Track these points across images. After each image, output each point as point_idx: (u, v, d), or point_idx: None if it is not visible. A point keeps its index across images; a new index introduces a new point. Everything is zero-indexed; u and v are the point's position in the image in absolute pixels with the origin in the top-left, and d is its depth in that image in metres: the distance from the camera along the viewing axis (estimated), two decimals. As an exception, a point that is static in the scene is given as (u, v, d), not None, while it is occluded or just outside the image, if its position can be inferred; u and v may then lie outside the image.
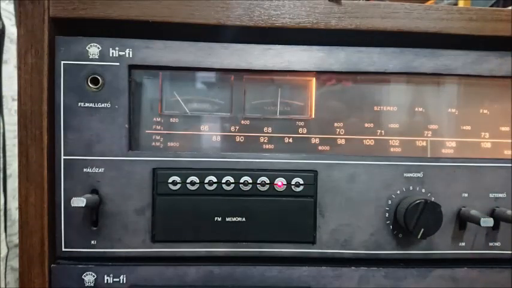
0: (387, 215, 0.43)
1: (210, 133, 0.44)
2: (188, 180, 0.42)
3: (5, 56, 0.72)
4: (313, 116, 0.45)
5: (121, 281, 0.41)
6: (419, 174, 0.43)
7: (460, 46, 0.44)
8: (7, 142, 0.73)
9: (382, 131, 0.45)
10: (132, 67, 0.42)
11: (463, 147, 0.46)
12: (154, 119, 0.44)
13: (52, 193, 0.41)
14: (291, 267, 0.43)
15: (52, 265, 0.41)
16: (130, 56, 0.41)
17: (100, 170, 0.41)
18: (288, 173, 0.42)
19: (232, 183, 0.42)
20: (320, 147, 0.45)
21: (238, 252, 0.43)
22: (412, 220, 0.41)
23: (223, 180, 0.42)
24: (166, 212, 0.42)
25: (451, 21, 0.43)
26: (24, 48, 0.40)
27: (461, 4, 1.21)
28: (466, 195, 0.44)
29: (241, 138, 0.44)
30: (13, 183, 0.74)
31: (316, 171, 0.43)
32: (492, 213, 0.44)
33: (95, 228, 0.42)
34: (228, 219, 0.42)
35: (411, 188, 0.43)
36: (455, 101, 0.46)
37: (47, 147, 0.40)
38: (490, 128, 0.46)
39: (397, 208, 0.43)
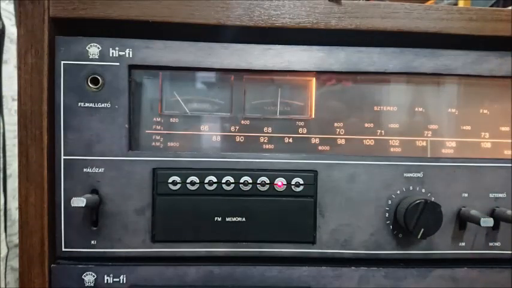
0: (387, 215, 0.43)
1: (210, 133, 0.44)
2: (188, 180, 0.42)
3: (5, 56, 0.72)
4: (313, 116, 0.45)
5: (121, 281, 0.41)
6: (419, 174, 0.43)
7: (460, 46, 0.44)
8: (7, 142, 0.73)
9: (382, 131, 0.45)
10: (132, 67, 0.42)
11: (463, 147, 0.46)
12: (154, 119, 0.44)
13: (52, 193, 0.41)
14: (291, 267, 0.43)
15: (52, 265, 0.41)
16: (130, 56, 0.41)
17: (100, 170, 0.41)
18: (288, 173, 0.42)
19: (232, 183, 0.42)
20: (320, 147, 0.45)
21: (238, 252, 0.43)
22: (412, 220, 0.41)
23: (223, 180, 0.42)
24: (166, 212, 0.42)
25: (451, 21, 0.43)
26: (24, 48, 0.40)
27: (461, 4, 1.21)
28: (466, 195, 0.44)
29: (241, 138, 0.44)
30: (13, 183, 0.74)
31: (316, 171, 0.43)
32: (492, 213, 0.44)
33: (95, 228, 0.42)
34: (228, 219, 0.42)
35: (411, 188, 0.43)
36: (455, 101, 0.46)
37: (47, 147, 0.40)
38: (490, 128, 0.46)
39: (397, 208, 0.43)
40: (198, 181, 0.42)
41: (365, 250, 0.44)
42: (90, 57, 0.41)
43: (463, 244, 0.44)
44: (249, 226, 0.42)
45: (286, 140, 0.45)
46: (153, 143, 0.44)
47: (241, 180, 0.42)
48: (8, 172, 0.74)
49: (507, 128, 0.46)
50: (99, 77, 0.41)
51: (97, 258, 0.42)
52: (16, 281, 0.77)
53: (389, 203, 0.43)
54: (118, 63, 0.41)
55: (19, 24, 0.40)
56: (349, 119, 0.45)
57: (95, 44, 0.41)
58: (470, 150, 0.46)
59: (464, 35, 0.43)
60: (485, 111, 0.46)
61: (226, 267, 0.42)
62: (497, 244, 0.44)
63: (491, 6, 1.07)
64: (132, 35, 0.41)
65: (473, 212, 0.42)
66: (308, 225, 0.43)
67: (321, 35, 0.44)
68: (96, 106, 0.41)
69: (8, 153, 0.73)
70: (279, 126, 0.44)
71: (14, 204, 0.75)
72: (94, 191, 0.41)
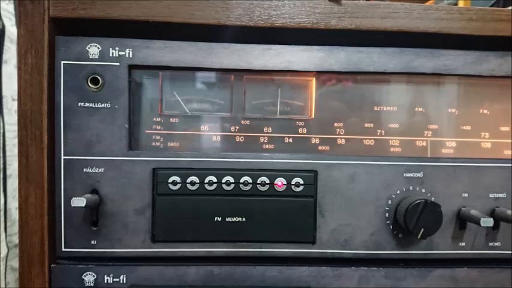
0: (387, 215, 0.43)
1: (210, 133, 0.44)
2: (188, 180, 0.42)
3: (5, 56, 0.72)
4: (313, 116, 0.45)
5: (121, 281, 0.41)
6: (419, 174, 0.43)
7: (460, 46, 0.44)
8: (7, 142, 0.73)
9: (382, 131, 0.45)
10: (132, 67, 0.42)
11: (463, 147, 0.46)
12: (154, 119, 0.44)
13: (52, 193, 0.41)
14: (291, 267, 0.43)
15: (52, 265, 0.41)
16: (130, 56, 0.41)
17: (100, 170, 0.41)
18: (288, 173, 0.42)
19: (232, 183, 0.42)
20: (320, 147, 0.45)
21: (238, 252, 0.43)
22: (412, 220, 0.41)
23: (223, 180, 0.42)
24: (166, 212, 0.42)
25: (451, 21, 0.43)
26: (24, 48, 0.40)
27: (461, 4, 1.21)
28: (466, 195, 0.44)
29: (241, 138, 0.44)
30: (13, 183, 0.74)
31: (316, 171, 0.43)
32: (492, 213, 0.44)
33: (95, 228, 0.42)
34: (228, 219, 0.42)
35: (411, 188, 0.43)
36: (455, 101, 0.46)
37: (47, 147, 0.40)
38: (490, 128, 0.46)
39: (397, 208, 0.43)
40: (198, 181, 0.42)
41: (365, 250, 0.44)
42: (90, 57, 0.41)
43: (463, 244, 0.44)
44: (249, 226, 0.42)
45: (286, 140, 0.45)
46: (153, 143, 0.44)
47: (241, 180, 0.42)
48: (8, 172, 0.74)
49: (507, 128, 0.46)
50: (99, 77, 0.41)
51: (97, 258, 0.42)
52: (16, 281, 0.77)
53: (390, 203, 0.43)
54: (118, 63, 0.41)
55: (19, 24, 0.40)
56: (349, 119, 0.45)
57: (95, 44, 0.41)
58: (470, 150, 0.46)
59: (464, 35, 0.43)
60: (485, 111, 0.46)
61: (226, 267, 0.42)
62: (497, 244, 0.44)
63: (491, 6, 1.07)
64: (132, 35, 0.41)
65: (473, 212, 0.42)
66: (308, 225, 0.43)
67: (321, 35, 0.44)
68: (96, 106, 0.41)
69: (8, 153, 0.73)
70: (279, 126, 0.44)
71: (14, 204, 0.75)
72: (94, 191, 0.41)
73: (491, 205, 0.44)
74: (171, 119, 0.44)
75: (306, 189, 0.42)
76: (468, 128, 0.46)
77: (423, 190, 0.43)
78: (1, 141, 0.72)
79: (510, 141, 0.46)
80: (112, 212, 0.42)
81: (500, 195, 0.44)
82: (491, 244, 0.44)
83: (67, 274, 0.41)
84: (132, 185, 0.42)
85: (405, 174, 0.43)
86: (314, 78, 0.45)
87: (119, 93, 0.41)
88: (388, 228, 0.44)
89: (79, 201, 0.38)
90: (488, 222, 0.40)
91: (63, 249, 0.42)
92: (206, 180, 0.42)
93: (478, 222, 0.40)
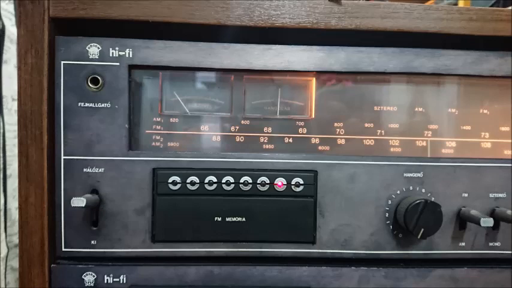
0: (387, 215, 0.43)
1: (210, 133, 0.44)
2: (188, 180, 0.42)
3: (5, 56, 0.72)
4: (313, 116, 0.45)
5: (121, 281, 0.41)
6: (419, 174, 0.43)
7: (460, 46, 0.44)
8: (7, 142, 0.73)
9: (382, 131, 0.45)
10: (132, 67, 0.42)
11: (463, 147, 0.46)
12: (154, 119, 0.44)
13: (52, 193, 0.41)
14: (291, 267, 0.43)
15: (52, 265, 0.41)
16: (130, 56, 0.41)
17: (100, 170, 0.41)
18: (288, 173, 0.42)
19: (232, 183, 0.42)
20: (320, 147, 0.45)
21: (238, 252, 0.43)
22: (412, 220, 0.41)
23: (223, 180, 0.42)
24: (166, 212, 0.42)
25: (451, 21, 0.43)
26: (24, 48, 0.40)
27: (461, 4, 1.21)
28: (466, 195, 0.44)
29: (241, 138, 0.44)
30: (13, 183, 0.74)
31: (316, 171, 0.43)
32: (492, 213, 0.44)
33: (95, 228, 0.42)
34: (228, 219, 0.42)
35: (411, 188, 0.43)
36: (455, 101, 0.46)
37: (47, 147, 0.40)
38: (490, 128, 0.46)
39: (397, 208, 0.43)
40: (198, 181, 0.42)
41: (365, 250, 0.44)
42: (90, 57, 0.41)
43: (463, 244, 0.44)
44: (249, 226, 0.42)
45: (286, 140, 0.45)
46: (153, 143, 0.44)
47: (241, 180, 0.42)
48: (8, 172, 0.74)
49: (507, 128, 0.46)
50: (99, 77, 0.41)
51: (97, 258, 0.42)
52: (16, 281, 0.77)
53: (390, 203, 0.43)
54: (118, 63, 0.41)
55: (19, 24, 0.40)
56: (349, 119, 0.45)
57: (95, 44, 0.41)
58: (470, 150, 0.46)
59: (464, 35, 0.43)
60: (485, 111, 0.46)
61: (226, 267, 0.42)
62: (497, 244, 0.44)
63: (491, 6, 1.07)
64: (132, 35, 0.41)
65: (473, 212, 0.42)
66: (308, 225, 0.43)
67: (321, 35, 0.44)
68: (96, 106, 0.41)
69: (8, 153, 0.73)
70: (279, 126, 0.44)
71: (14, 204, 0.75)
72: (94, 191, 0.41)
73: (491, 205, 0.44)
74: (171, 119, 0.44)
75: (306, 189, 0.42)
76: (468, 128, 0.46)
77: (423, 190, 0.43)
78: (1, 141, 0.72)
79: (510, 141, 0.46)
80: (112, 212, 0.42)
81: (500, 195, 0.44)
82: (491, 244, 0.44)
83: (67, 274, 0.41)
84: (132, 185, 0.42)
85: (405, 174, 0.43)
86: (314, 78, 0.45)
87: (119, 93, 0.41)
88: (388, 228, 0.44)
89: (79, 201, 0.38)
90: (488, 222, 0.40)
91: (63, 249, 0.42)
92: (206, 180, 0.42)
93: (478, 222, 0.40)
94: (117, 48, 0.41)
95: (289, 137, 0.45)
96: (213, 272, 0.42)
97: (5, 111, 0.72)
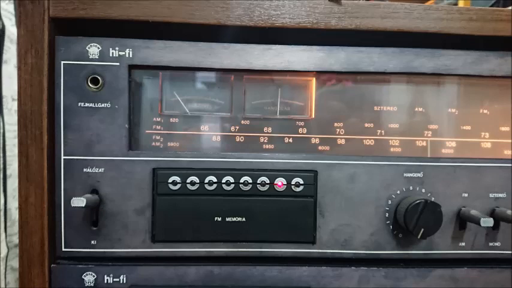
0: (387, 215, 0.43)
1: (210, 133, 0.44)
2: (188, 180, 0.42)
3: (5, 56, 0.72)
4: (313, 116, 0.45)
5: (121, 281, 0.41)
6: (419, 174, 0.43)
7: (460, 46, 0.44)
8: (7, 142, 0.73)
9: (382, 131, 0.45)
10: (132, 67, 0.42)
11: (463, 147, 0.46)
12: (154, 119, 0.44)
13: (52, 193, 0.41)
14: (291, 267, 0.43)
15: (52, 265, 0.41)
16: (130, 56, 0.41)
17: (100, 170, 0.41)
18: (288, 173, 0.42)
19: (232, 183, 0.42)
20: (320, 147, 0.45)
21: (238, 252, 0.43)
22: (412, 220, 0.41)
23: (223, 180, 0.42)
24: (166, 212, 0.42)
25: (451, 21, 0.43)
26: (24, 48, 0.40)
27: (461, 4, 1.21)
28: (466, 195, 0.44)
29: (241, 138, 0.44)
30: (13, 183, 0.74)
31: (316, 171, 0.43)
32: (492, 213, 0.44)
33: (95, 228, 0.42)
34: (228, 219, 0.42)
35: (411, 188, 0.43)
36: (455, 101, 0.46)
37: (47, 147, 0.40)
38: (490, 128, 0.46)
39: (397, 208, 0.43)
40: (198, 181, 0.42)
41: (365, 250, 0.44)
42: (90, 57, 0.41)
43: (463, 244, 0.44)
44: (249, 226, 0.42)
45: (286, 140, 0.45)
46: (153, 143, 0.44)
47: (241, 180, 0.42)
48: (8, 172, 0.74)
49: (507, 128, 0.46)
50: (99, 77, 0.41)
51: (97, 258, 0.42)
52: (16, 281, 0.77)
53: (390, 203, 0.43)
54: (118, 63, 0.41)
55: (19, 24, 0.40)
56: (349, 119, 0.45)
57: (95, 44, 0.41)
58: (470, 150, 0.46)
59: (464, 35, 0.43)
60: (485, 111, 0.46)
61: (226, 267, 0.42)
62: (497, 244, 0.44)
63: (491, 6, 1.07)
64: (132, 35, 0.41)
65: (473, 212, 0.42)
66: (308, 225, 0.43)
67: (321, 35, 0.44)
68: (96, 106, 0.41)
69: (8, 153, 0.73)
70: (279, 126, 0.44)
71: (14, 204, 0.75)
72: (94, 191, 0.41)
73: (491, 205, 0.44)
74: (171, 119, 0.44)
75: (306, 189, 0.42)
76: (468, 128, 0.46)
77: (423, 190, 0.43)
78: (1, 141, 0.72)
79: (510, 141, 0.46)
80: (112, 212, 0.42)
81: (500, 195, 0.44)
82: (491, 244, 0.44)
83: (67, 274, 0.41)
84: (132, 185, 0.42)
85: (405, 174, 0.43)
86: (314, 78, 0.45)
87: (119, 93, 0.41)
88: (388, 228, 0.44)
89: (79, 201, 0.38)
90: (488, 222, 0.40)
91: (63, 249, 0.42)
92: (206, 180, 0.42)
93: (478, 222, 0.40)
94: (117, 48, 0.41)
95: (289, 137, 0.45)
96: (213, 272, 0.42)
97: (5, 111, 0.72)
